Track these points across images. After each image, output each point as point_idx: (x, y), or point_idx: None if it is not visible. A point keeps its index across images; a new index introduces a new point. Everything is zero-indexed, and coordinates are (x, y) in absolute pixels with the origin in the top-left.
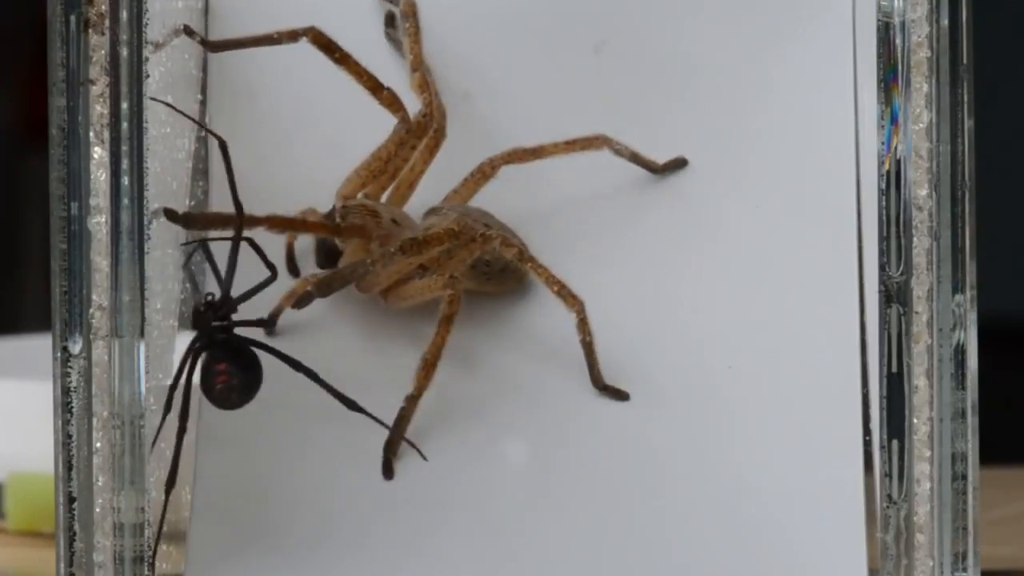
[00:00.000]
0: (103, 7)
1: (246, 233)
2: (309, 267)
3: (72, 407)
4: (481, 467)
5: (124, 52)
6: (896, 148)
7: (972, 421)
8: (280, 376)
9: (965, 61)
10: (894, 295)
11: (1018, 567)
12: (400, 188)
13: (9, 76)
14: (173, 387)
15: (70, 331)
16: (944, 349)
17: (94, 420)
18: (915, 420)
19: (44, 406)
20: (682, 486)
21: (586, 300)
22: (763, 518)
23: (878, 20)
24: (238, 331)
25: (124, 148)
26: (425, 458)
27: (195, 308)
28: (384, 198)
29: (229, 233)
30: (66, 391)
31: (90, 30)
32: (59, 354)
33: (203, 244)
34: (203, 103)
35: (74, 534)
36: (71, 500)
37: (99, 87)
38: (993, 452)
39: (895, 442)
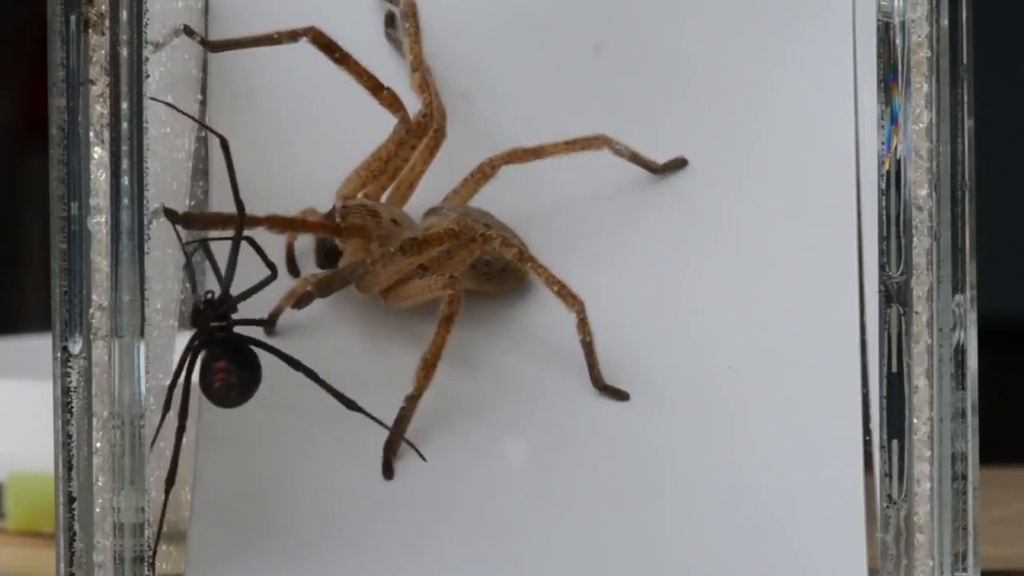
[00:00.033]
0: (103, 7)
1: (246, 232)
2: (309, 267)
3: (72, 407)
4: (481, 467)
5: (124, 52)
6: (896, 148)
7: (972, 421)
8: (280, 376)
9: (965, 61)
10: (894, 295)
11: (1018, 567)
12: (400, 188)
13: (9, 76)
14: (172, 385)
15: (70, 331)
16: (944, 349)
17: (94, 420)
18: (915, 420)
19: (44, 406)
20: (682, 486)
21: (586, 300)
22: (763, 518)
23: (878, 20)
24: (237, 330)
25: (124, 148)
26: (424, 459)
27: (194, 306)
28: (384, 198)
29: (229, 233)
30: (66, 391)
31: (90, 30)
32: (59, 354)
33: (204, 243)
34: (203, 103)
35: (74, 534)
36: (71, 500)
37: (99, 87)
38: (993, 452)
39: (895, 442)
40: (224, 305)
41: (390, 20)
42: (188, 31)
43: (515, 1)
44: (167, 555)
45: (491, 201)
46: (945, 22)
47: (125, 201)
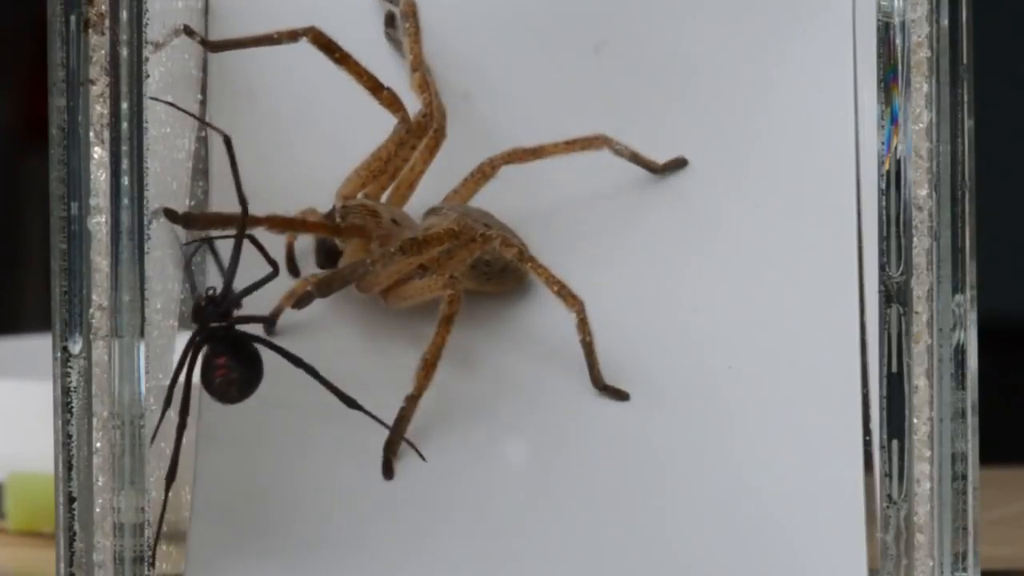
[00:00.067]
0: (103, 7)
1: (247, 231)
2: (309, 267)
3: (72, 407)
4: (481, 467)
5: (124, 52)
6: (896, 148)
7: (972, 421)
8: (281, 376)
9: (965, 61)
10: (894, 295)
11: (1018, 567)
12: (400, 188)
13: (9, 76)
14: (173, 381)
15: (70, 331)
16: (944, 349)
17: (94, 420)
18: (915, 420)
19: (44, 406)
20: (682, 486)
21: (586, 300)
22: (763, 518)
23: (878, 20)
24: (239, 326)
25: (124, 148)
26: (424, 458)
27: (196, 302)
28: (384, 198)
29: (230, 232)
30: (66, 391)
31: (90, 30)
32: (59, 354)
33: (208, 241)
34: (203, 103)
35: (74, 534)
36: (71, 500)
37: (99, 87)
38: (993, 452)
39: (895, 442)
40: (226, 301)
41: (390, 20)
42: (188, 31)
43: (515, 1)
44: (167, 555)
45: (491, 201)
46: (945, 22)
47: (125, 201)
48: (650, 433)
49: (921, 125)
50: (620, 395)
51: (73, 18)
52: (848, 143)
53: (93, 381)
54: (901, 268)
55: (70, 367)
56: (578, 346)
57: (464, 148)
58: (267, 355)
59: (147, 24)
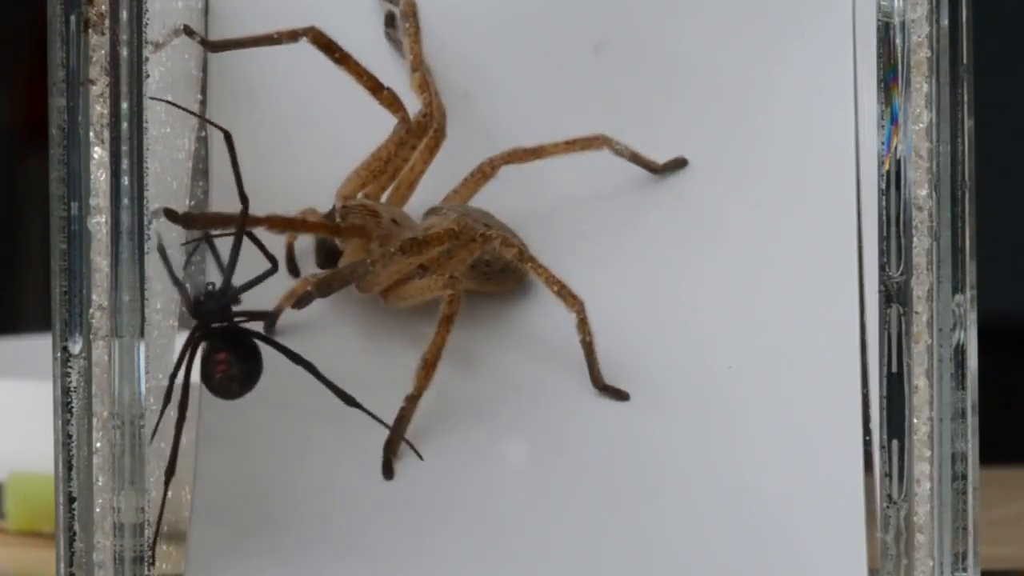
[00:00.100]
0: (103, 7)
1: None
2: (309, 267)
3: (72, 407)
4: (481, 467)
5: (124, 52)
6: (896, 148)
7: (972, 421)
8: (281, 376)
9: (965, 61)
10: (894, 295)
11: (1018, 567)
12: (400, 188)
13: (9, 76)
14: (173, 377)
15: (70, 331)
16: (944, 349)
17: (94, 420)
18: (915, 420)
19: (44, 406)
20: (682, 486)
21: (586, 300)
22: (763, 518)
23: (878, 20)
24: (238, 321)
25: (124, 148)
26: (421, 457)
27: (195, 298)
28: (384, 198)
29: (229, 231)
30: (66, 391)
31: (90, 30)
32: (59, 354)
33: (208, 238)
34: (203, 103)
35: (74, 534)
36: (71, 500)
37: (99, 87)
38: (993, 452)
39: (895, 442)
40: (225, 297)
41: (390, 20)
42: (188, 31)
43: (515, 1)
44: (167, 555)
45: (491, 201)
46: (945, 22)
47: (125, 201)
48: (650, 433)
49: (921, 125)
50: (620, 395)
51: (73, 18)
52: (848, 143)
53: (93, 381)
54: (901, 268)
55: (70, 367)
56: (578, 346)
57: (464, 148)
58: (267, 355)
59: (147, 24)
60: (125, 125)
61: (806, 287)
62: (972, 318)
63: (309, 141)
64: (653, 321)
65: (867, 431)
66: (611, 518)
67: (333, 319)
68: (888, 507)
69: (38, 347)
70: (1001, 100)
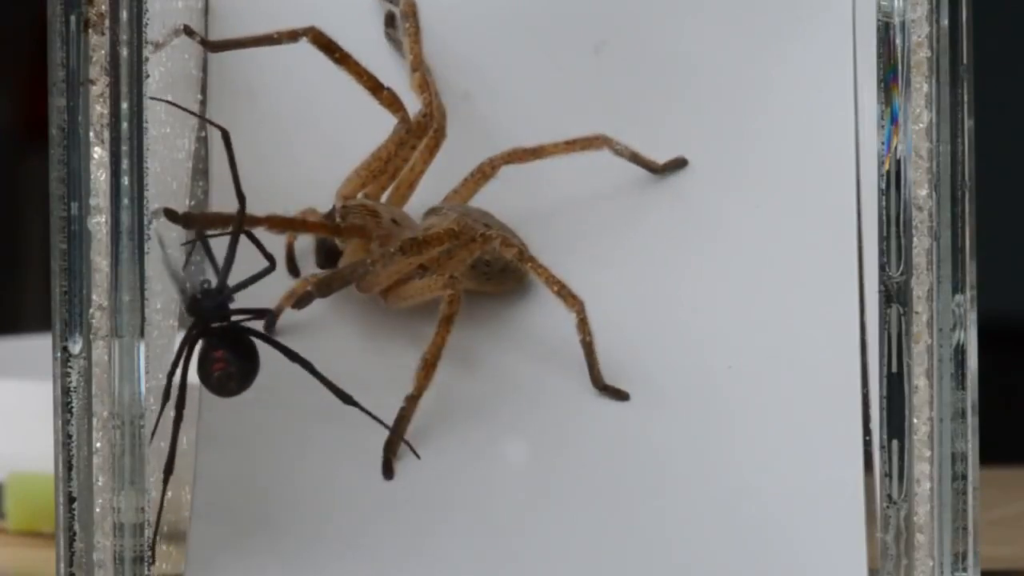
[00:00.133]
0: (103, 7)
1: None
2: (309, 267)
3: (72, 407)
4: (481, 467)
5: (124, 52)
6: (896, 148)
7: (972, 421)
8: (280, 376)
9: (965, 61)
10: (894, 295)
11: (1018, 567)
12: (400, 188)
13: (9, 76)
14: (171, 374)
15: (70, 331)
16: (944, 349)
17: (94, 420)
18: (915, 420)
19: (44, 406)
20: (682, 486)
21: (586, 300)
22: (763, 518)
23: (878, 20)
24: (234, 318)
25: (124, 148)
26: (418, 456)
27: (192, 295)
28: (384, 198)
29: (229, 232)
30: (66, 391)
31: (90, 30)
32: (59, 354)
33: (203, 238)
34: (203, 103)
35: (74, 534)
36: (71, 500)
37: (99, 87)
38: (993, 452)
39: (895, 442)
40: (221, 295)
41: (390, 20)
42: (188, 31)
43: (515, 1)
44: (167, 555)
45: (491, 201)
46: (945, 22)
47: (125, 201)
48: (650, 433)
49: (921, 125)
50: (620, 395)
51: (73, 18)
52: (848, 143)
53: (93, 381)
54: (901, 268)
55: (70, 367)
56: (578, 346)
57: (464, 148)
58: (266, 356)
59: (147, 24)
60: (125, 125)
61: (806, 287)
62: (972, 318)
63: (309, 141)
64: (653, 321)
65: (867, 431)
66: (611, 518)
67: (333, 319)
68: (888, 507)
69: (38, 347)
70: (1001, 100)
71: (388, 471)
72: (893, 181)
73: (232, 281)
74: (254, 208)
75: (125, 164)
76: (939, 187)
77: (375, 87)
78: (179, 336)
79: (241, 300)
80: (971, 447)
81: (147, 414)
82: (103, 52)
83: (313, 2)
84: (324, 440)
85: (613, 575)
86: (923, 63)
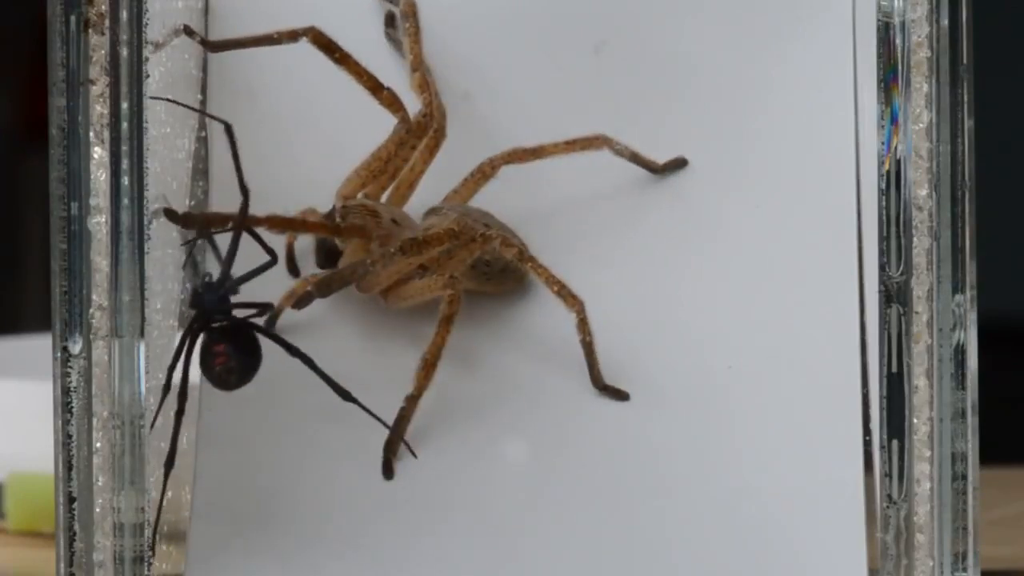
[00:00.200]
0: (103, 7)
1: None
2: (309, 267)
3: (72, 407)
4: (481, 467)
5: (124, 52)
6: (896, 148)
7: (972, 421)
8: (281, 376)
9: (965, 61)
10: (894, 295)
11: (1018, 567)
12: (400, 188)
13: (9, 76)
14: (171, 368)
15: (70, 331)
16: (944, 349)
17: (94, 420)
18: (915, 420)
19: (44, 406)
20: (682, 486)
21: (586, 300)
22: (763, 518)
23: (878, 20)
24: (236, 311)
25: (124, 148)
26: (415, 455)
27: (193, 289)
28: (384, 198)
29: (230, 230)
30: (66, 391)
31: (90, 30)
32: (59, 354)
33: (208, 235)
34: (203, 103)
35: (74, 534)
36: (71, 500)
37: (99, 87)
38: (993, 452)
39: (895, 442)
40: (223, 288)
41: (390, 20)
42: (188, 31)
43: (515, 1)
44: (167, 555)
45: (491, 201)
46: (945, 22)
47: (125, 201)
48: (650, 433)
49: (921, 125)
50: (620, 395)
51: (73, 18)
52: (848, 143)
53: (93, 381)
54: (901, 268)
55: (70, 367)
56: (578, 346)
57: (464, 148)
58: (266, 355)
59: (147, 24)
60: (125, 125)
61: (806, 287)
62: (972, 318)
63: (309, 141)
64: (653, 321)
65: (867, 431)
66: (611, 518)
67: (333, 319)
68: (888, 507)
69: (38, 347)
70: (1001, 100)
71: (388, 471)
72: (893, 181)
73: (234, 275)
74: (254, 208)
75: (125, 164)
76: (939, 187)
77: (375, 87)
78: (179, 336)
79: (242, 295)
80: (971, 447)
81: (147, 414)
82: (103, 52)
83: (313, 2)
84: (324, 440)
85: (613, 575)
86: (923, 63)
